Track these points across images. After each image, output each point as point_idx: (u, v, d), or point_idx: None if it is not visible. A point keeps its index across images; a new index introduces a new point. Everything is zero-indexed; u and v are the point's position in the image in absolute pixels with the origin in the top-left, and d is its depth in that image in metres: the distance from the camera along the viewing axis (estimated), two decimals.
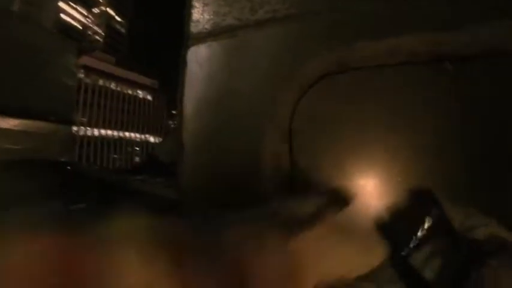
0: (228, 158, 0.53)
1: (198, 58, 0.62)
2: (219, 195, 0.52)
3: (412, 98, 0.38)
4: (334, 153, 0.40)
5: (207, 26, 0.59)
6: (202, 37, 0.60)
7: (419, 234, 0.30)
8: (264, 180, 0.42)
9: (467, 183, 0.34)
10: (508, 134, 0.32)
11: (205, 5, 0.58)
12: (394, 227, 0.30)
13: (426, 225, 0.30)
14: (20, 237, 0.18)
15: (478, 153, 0.33)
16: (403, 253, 0.28)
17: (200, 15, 0.57)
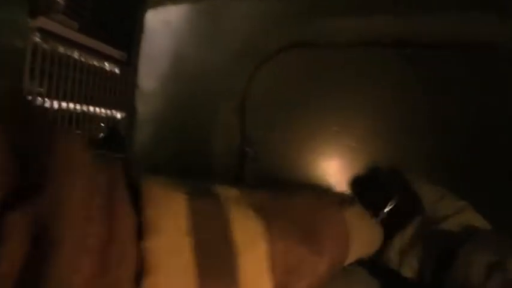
0: (184, 133, 0.51)
1: (156, 24, 0.57)
2: (175, 171, 0.51)
3: (374, 78, 0.39)
4: (287, 129, 0.40)
5: None
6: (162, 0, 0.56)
7: (384, 211, 0.31)
8: (215, 154, 0.41)
9: (435, 163, 0.36)
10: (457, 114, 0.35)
11: None
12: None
13: (389, 205, 0.31)
14: None
15: (446, 133, 0.36)
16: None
17: None
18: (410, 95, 0.38)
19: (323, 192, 0.31)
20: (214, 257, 0.19)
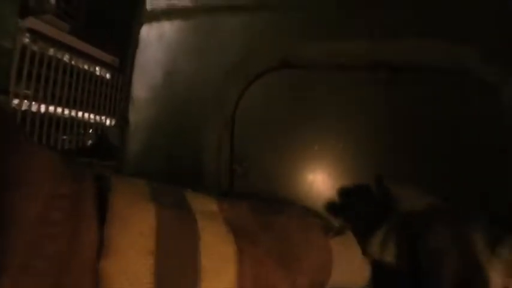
0: (177, 143, 0.52)
1: (150, 37, 0.59)
2: (165, 180, 0.52)
3: (351, 99, 0.42)
4: (275, 146, 0.42)
5: (162, 5, 0.57)
6: (157, 15, 0.58)
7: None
8: (206, 165, 0.42)
9: (411, 173, 0.39)
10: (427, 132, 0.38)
11: None
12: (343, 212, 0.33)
13: (369, 208, 0.34)
14: None
15: (419, 149, 0.39)
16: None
17: None
18: (387, 115, 0.41)
19: (310, 215, 0.30)
20: (176, 283, 0.18)
